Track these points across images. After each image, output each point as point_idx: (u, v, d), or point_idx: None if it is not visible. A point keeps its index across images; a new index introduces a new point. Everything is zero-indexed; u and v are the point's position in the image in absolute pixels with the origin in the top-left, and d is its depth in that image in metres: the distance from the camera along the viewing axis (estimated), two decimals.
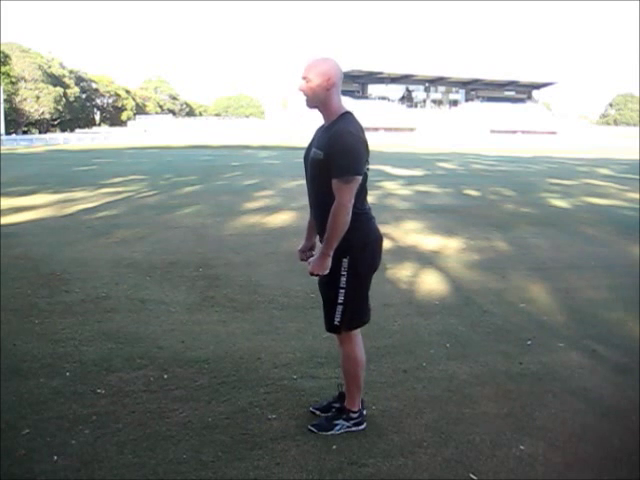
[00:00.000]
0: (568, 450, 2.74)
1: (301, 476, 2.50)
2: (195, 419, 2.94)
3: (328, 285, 2.74)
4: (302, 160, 2.84)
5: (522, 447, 2.74)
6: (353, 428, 2.85)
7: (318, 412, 2.99)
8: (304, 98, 2.68)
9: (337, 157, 2.54)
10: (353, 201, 2.56)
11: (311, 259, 2.70)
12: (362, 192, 2.67)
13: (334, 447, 2.71)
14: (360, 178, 2.57)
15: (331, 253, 2.60)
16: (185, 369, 3.54)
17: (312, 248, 3.02)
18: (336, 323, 2.75)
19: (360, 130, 2.63)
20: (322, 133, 2.71)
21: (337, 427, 2.83)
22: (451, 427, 2.92)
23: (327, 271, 2.63)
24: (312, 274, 2.66)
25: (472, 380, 3.47)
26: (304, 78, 2.64)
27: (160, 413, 3.00)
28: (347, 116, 2.66)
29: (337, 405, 2.94)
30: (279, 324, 4.38)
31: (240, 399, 3.16)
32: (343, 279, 2.68)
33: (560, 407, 3.15)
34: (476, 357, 3.82)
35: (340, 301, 2.71)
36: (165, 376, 3.43)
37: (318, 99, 2.65)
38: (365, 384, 2.97)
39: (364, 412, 2.95)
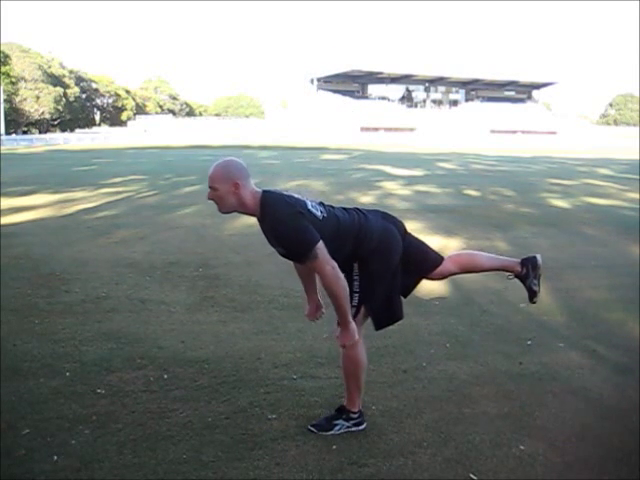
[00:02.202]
0: (568, 450, 2.74)
1: (301, 476, 2.50)
2: (195, 419, 2.94)
3: None
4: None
5: (522, 447, 2.74)
6: (353, 428, 2.84)
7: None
8: (216, 206, 2.64)
9: (292, 249, 2.54)
10: (334, 264, 2.50)
11: (336, 333, 2.68)
12: (336, 226, 2.62)
13: (334, 447, 2.71)
14: (320, 243, 2.49)
15: (350, 319, 2.60)
16: (185, 369, 3.53)
17: (319, 308, 3.02)
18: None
19: (283, 204, 2.54)
20: (265, 229, 2.65)
21: (337, 427, 2.83)
22: (451, 427, 2.92)
23: (357, 337, 2.63)
24: (343, 346, 2.67)
25: (472, 380, 3.47)
26: (211, 187, 2.60)
27: (160, 413, 3.00)
28: (265, 203, 2.56)
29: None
30: (279, 324, 4.38)
31: (240, 399, 3.16)
32: (355, 283, 2.69)
33: (560, 407, 3.15)
34: (476, 357, 3.82)
35: (354, 304, 2.71)
36: (165, 376, 3.43)
37: (231, 204, 2.59)
38: (365, 384, 2.97)
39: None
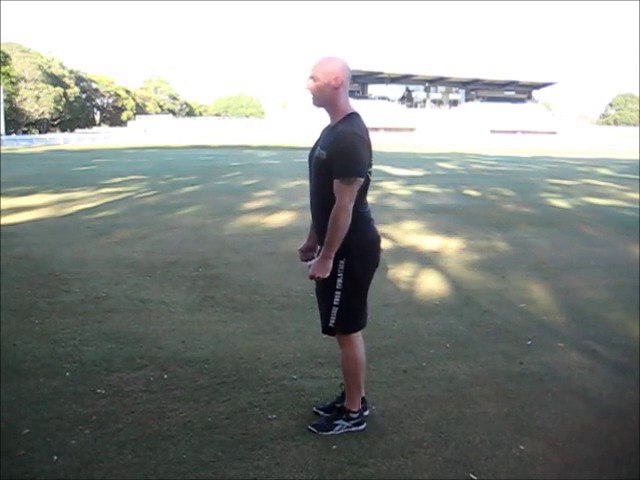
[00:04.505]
0: (568, 450, 2.74)
1: (301, 476, 2.50)
2: (195, 419, 2.94)
3: (324, 287, 2.74)
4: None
5: (522, 447, 2.74)
6: (353, 428, 2.85)
7: (322, 412, 2.99)
8: (311, 97, 2.66)
9: (339, 158, 2.53)
10: (353, 203, 2.55)
11: (311, 262, 2.69)
12: (362, 194, 2.67)
13: (334, 447, 2.71)
14: (362, 180, 2.56)
15: (332, 255, 2.60)
16: (185, 369, 3.53)
17: (313, 248, 3.00)
18: (331, 325, 2.75)
19: (364, 132, 2.62)
20: (327, 133, 2.71)
21: (337, 427, 2.83)
22: (451, 427, 2.92)
23: (328, 274, 2.62)
24: (312, 277, 2.65)
25: (472, 380, 3.47)
26: (312, 77, 2.62)
27: (160, 413, 3.00)
28: (353, 117, 2.65)
29: (340, 405, 2.94)
30: (279, 324, 4.38)
31: (240, 399, 3.16)
32: (339, 281, 2.68)
33: (560, 407, 3.15)
34: (476, 357, 3.82)
35: (335, 303, 2.71)
36: (165, 376, 3.43)
37: (325, 98, 2.63)
38: (365, 384, 2.97)
39: (366, 413, 2.95)
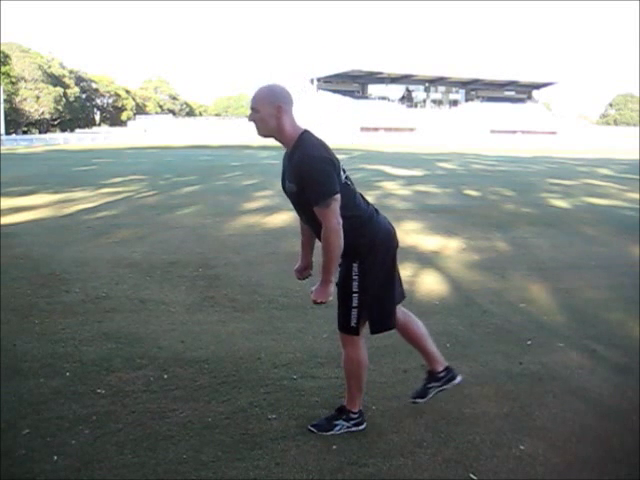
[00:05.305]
0: (568, 450, 2.74)
1: (301, 476, 2.50)
2: (195, 419, 2.94)
3: (341, 290, 2.74)
4: None
5: (522, 447, 2.74)
6: (353, 428, 2.84)
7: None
8: (255, 128, 2.62)
9: (308, 187, 2.52)
10: (341, 220, 2.52)
11: (313, 287, 2.69)
12: (352, 198, 2.65)
13: (334, 447, 2.71)
14: (338, 195, 2.52)
15: (332, 279, 2.61)
16: (185, 369, 3.53)
17: (308, 267, 3.01)
18: (353, 325, 2.74)
19: (320, 147, 2.58)
20: (288, 163, 2.67)
21: (337, 427, 2.83)
22: (451, 427, 2.92)
23: (331, 297, 2.63)
24: (315, 302, 2.65)
25: (472, 380, 3.47)
26: (253, 109, 2.59)
27: (160, 413, 3.00)
28: (303, 137, 2.60)
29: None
30: (279, 324, 4.38)
31: (240, 399, 3.16)
32: (355, 284, 2.68)
33: (560, 407, 3.15)
34: (476, 357, 3.82)
35: (354, 305, 2.71)
36: (165, 376, 3.43)
37: (270, 128, 2.59)
38: (365, 384, 2.97)
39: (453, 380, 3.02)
